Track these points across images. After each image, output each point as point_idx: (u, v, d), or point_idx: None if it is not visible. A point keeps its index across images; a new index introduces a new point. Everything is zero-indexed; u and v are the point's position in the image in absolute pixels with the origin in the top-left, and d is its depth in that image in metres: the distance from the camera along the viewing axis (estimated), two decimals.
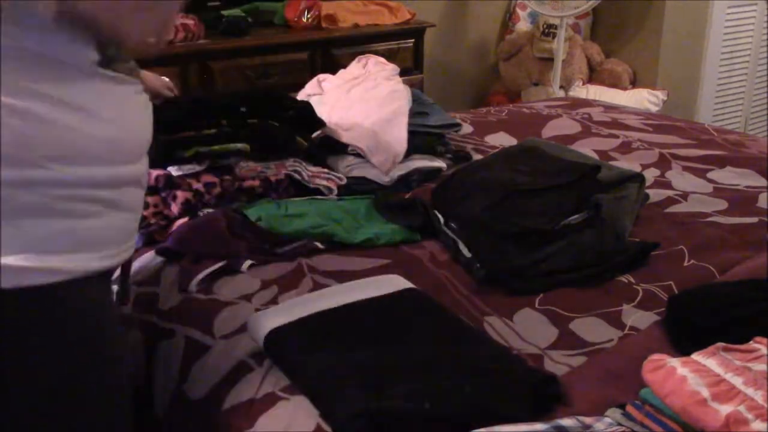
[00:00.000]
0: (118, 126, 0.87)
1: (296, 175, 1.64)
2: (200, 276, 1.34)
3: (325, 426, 0.98)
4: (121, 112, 0.88)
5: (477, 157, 1.92)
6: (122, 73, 0.88)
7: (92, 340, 0.89)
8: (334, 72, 2.10)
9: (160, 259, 1.44)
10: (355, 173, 1.74)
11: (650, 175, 1.84)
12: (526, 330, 1.21)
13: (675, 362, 0.91)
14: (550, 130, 2.20)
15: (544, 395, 1.02)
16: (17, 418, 0.84)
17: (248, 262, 1.38)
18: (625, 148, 2.06)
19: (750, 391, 0.85)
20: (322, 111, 1.88)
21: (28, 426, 0.85)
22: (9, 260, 0.79)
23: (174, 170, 1.53)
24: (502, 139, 2.12)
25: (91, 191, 0.85)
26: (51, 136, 0.81)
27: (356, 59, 2.12)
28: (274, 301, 1.29)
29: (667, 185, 1.81)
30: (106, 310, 0.93)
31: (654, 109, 3.50)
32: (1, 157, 0.78)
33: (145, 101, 0.94)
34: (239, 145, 1.59)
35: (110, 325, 0.94)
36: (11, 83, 0.78)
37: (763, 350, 0.92)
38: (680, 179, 1.85)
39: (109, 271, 0.93)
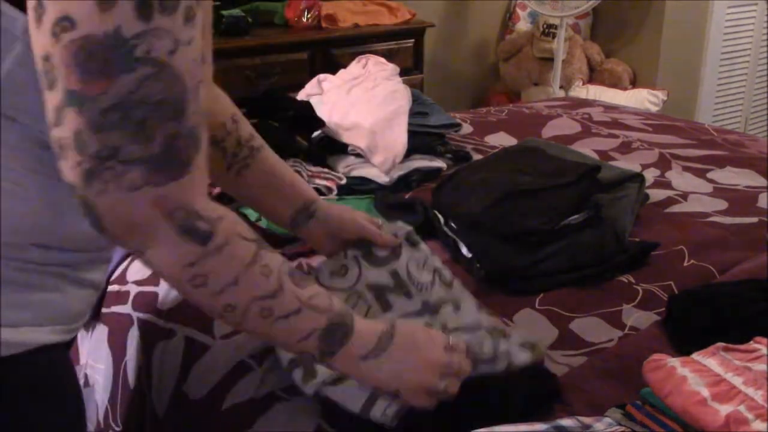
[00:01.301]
0: None
1: None
2: None
3: (325, 426, 0.98)
4: None
5: (477, 157, 1.92)
6: None
7: (46, 411, 0.86)
8: (334, 72, 2.10)
9: None
10: (355, 173, 1.74)
11: (650, 175, 1.84)
12: (526, 330, 1.21)
13: (675, 362, 0.91)
14: (550, 130, 2.20)
15: (544, 395, 1.02)
16: None
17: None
18: (625, 148, 2.06)
19: (750, 391, 0.85)
20: (322, 111, 1.88)
21: None
22: None
23: None
24: (502, 139, 2.12)
25: (60, 269, 0.83)
26: (37, 223, 0.79)
27: (356, 59, 2.12)
28: None
29: (667, 185, 1.81)
30: (61, 382, 0.89)
31: (654, 109, 3.50)
32: None
33: None
34: None
35: (64, 394, 0.90)
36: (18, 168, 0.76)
37: (763, 350, 0.91)
38: (680, 179, 1.85)
39: (64, 345, 0.90)
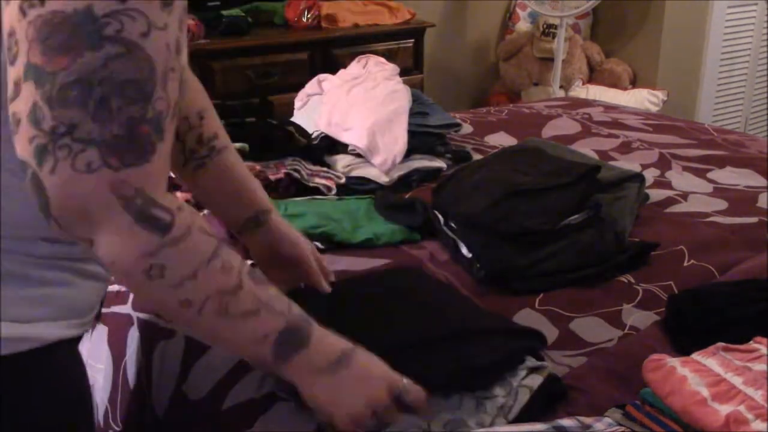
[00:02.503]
0: None
1: (295, 174, 1.63)
2: None
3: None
4: None
5: (477, 157, 1.92)
6: None
7: (62, 406, 0.86)
8: (334, 72, 2.10)
9: None
10: (355, 173, 1.74)
11: (650, 175, 1.84)
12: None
13: (675, 362, 0.91)
14: (550, 130, 2.20)
15: (548, 394, 1.02)
16: None
17: (248, 262, 1.38)
18: (625, 148, 2.06)
19: (750, 390, 0.85)
20: (322, 111, 1.89)
21: None
22: None
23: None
24: (502, 139, 2.12)
25: (69, 263, 0.83)
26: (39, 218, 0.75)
27: (356, 59, 2.12)
28: None
29: (667, 185, 1.81)
30: (75, 377, 0.90)
31: (654, 109, 3.50)
32: None
33: None
34: (237, 145, 1.59)
35: (79, 390, 0.91)
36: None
37: (763, 350, 0.92)
38: (680, 179, 1.85)
39: (76, 340, 0.89)
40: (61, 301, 0.82)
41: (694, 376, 0.88)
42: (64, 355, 0.85)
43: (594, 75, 3.76)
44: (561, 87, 3.60)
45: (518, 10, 3.88)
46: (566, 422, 0.92)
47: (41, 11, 0.63)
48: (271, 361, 0.81)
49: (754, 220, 1.61)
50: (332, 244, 1.46)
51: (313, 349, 0.82)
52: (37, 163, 0.66)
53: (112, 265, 0.71)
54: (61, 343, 0.82)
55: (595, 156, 1.95)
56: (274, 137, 1.66)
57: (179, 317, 0.77)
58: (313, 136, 1.81)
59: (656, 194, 1.73)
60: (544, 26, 3.62)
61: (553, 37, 3.56)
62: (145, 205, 0.69)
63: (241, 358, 1.13)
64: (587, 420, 0.93)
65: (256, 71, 2.83)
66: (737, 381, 0.86)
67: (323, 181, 1.66)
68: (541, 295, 1.30)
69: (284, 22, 3.05)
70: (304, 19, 3.01)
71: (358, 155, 1.77)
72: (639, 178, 1.67)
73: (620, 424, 0.91)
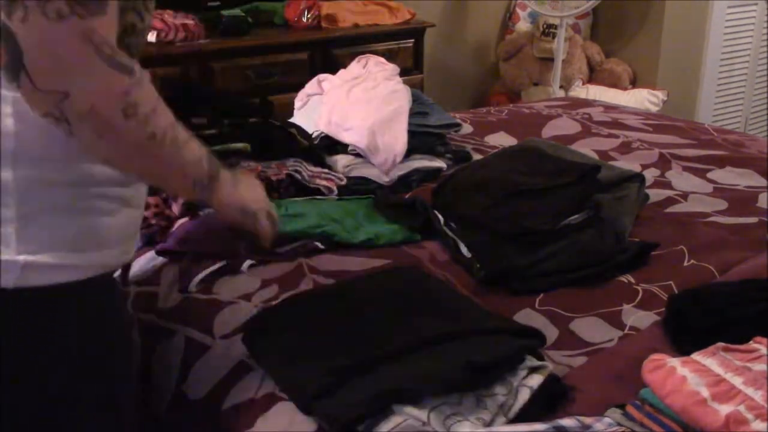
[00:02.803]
0: None
1: (297, 175, 1.64)
2: (200, 276, 1.34)
3: (325, 426, 0.98)
4: None
5: (477, 157, 1.92)
6: None
7: (103, 339, 0.91)
8: (334, 72, 2.10)
9: (160, 259, 1.44)
10: (355, 173, 1.74)
11: (650, 175, 1.84)
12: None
13: (675, 362, 0.91)
14: (550, 130, 2.20)
15: (548, 394, 1.02)
16: (20, 421, 0.84)
17: (248, 262, 1.38)
18: (625, 148, 2.06)
19: (750, 390, 0.85)
20: (322, 111, 1.88)
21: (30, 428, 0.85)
22: (39, 258, 0.81)
23: None
24: (502, 139, 2.12)
25: (111, 189, 0.87)
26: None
27: (356, 59, 2.12)
28: (274, 300, 1.28)
29: (667, 185, 1.81)
30: (116, 309, 0.96)
31: (654, 109, 3.49)
32: (24, 156, 0.80)
33: None
34: (239, 145, 1.59)
35: (119, 326, 0.96)
36: None
37: (763, 350, 0.92)
38: (680, 179, 1.85)
39: (113, 272, 0.94)
40: (111, 230, 0.88)
41: (694, 376, 0.88)
42: (116, 282, 0.94)
43: (594, 75, 3.76)
44: (561, 87, 3.60)
45: (518, 10, 3.88)
46: (566, 422, 0.92)
47: None
48: (207, 180, 0.94)
49: (754, 220, 1.61)
50: (332, 244, 1.46)
51: (222, 169, 0.98)
52: (6, 14, 0.70)
53: (90, 110, 0.76)
54: (112, 271, 0.90)
55: (595, 156, 1.95)
56: (274, 138, 1.66)
57: (144, 153, 0.84)
58: (313, 136, 1.81)
59: (656, 194, 1.73)
60: (544, 26, 3.62)
61: (553, 37, 3.56)
62: (113, 51, 0.76)
63: (241, 359, 1.14)
64: (587, 420, 0.93)
65: (256, 71, 2.82)
66: (737, 381, 0.86)
67: (324, 182, 1.66)
68: (541, 295, 1.30)
69: (284, 22, 3.05)
70: (304, 19, 3.01)
71: (358, 155, 1.77)
72: (639, 178, 1.67)
73: (620, 424, 0.91)
